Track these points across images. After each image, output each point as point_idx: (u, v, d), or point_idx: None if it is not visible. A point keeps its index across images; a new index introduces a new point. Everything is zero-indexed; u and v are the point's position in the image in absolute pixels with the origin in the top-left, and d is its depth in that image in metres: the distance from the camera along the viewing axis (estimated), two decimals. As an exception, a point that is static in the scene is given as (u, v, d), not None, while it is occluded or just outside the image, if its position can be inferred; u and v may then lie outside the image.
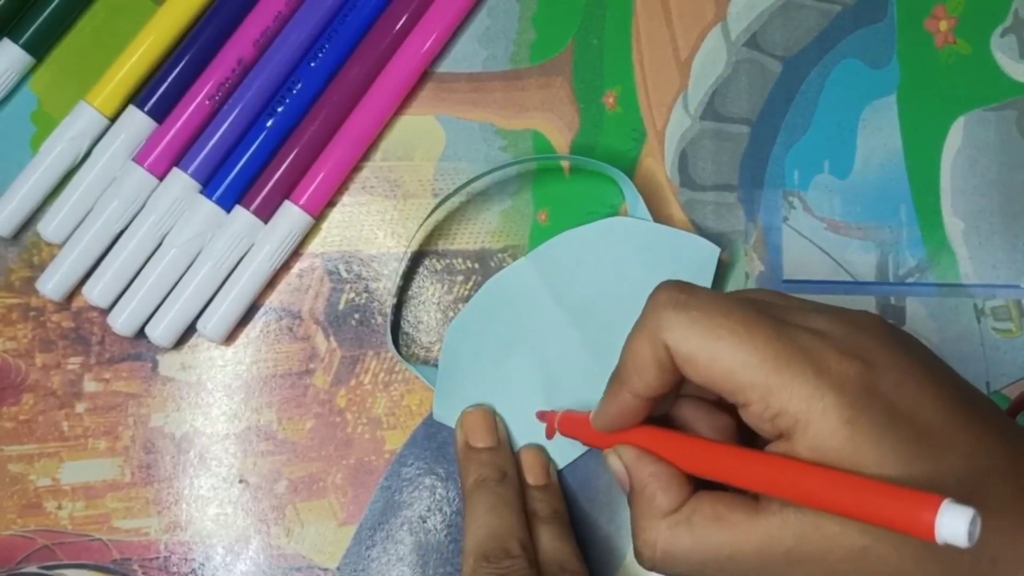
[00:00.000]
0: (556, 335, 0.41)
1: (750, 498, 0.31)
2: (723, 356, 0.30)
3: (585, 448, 0.41)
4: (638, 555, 0.33)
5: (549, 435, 0.39)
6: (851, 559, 0.29)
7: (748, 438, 0.33)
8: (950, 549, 0.25)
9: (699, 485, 0.32)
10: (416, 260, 0.43)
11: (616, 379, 0.33)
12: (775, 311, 0.31)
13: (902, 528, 0.25)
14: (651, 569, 0.33)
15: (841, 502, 0.27)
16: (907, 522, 0.25)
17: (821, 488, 0.28)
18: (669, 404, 0.34)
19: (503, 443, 0.41)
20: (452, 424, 0.41)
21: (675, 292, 0.32)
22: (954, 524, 0.24)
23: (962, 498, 0.25)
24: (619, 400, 0.33)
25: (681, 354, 0.31)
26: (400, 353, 0.42)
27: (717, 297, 0.31)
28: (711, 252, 0.42)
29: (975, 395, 0.31)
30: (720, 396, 0.31)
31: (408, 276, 0.43)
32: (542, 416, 0.40)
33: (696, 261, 0.42)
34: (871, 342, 0.30)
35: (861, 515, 0.27)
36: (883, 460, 0.28)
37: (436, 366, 0.42)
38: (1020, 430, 0.30)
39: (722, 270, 0.43)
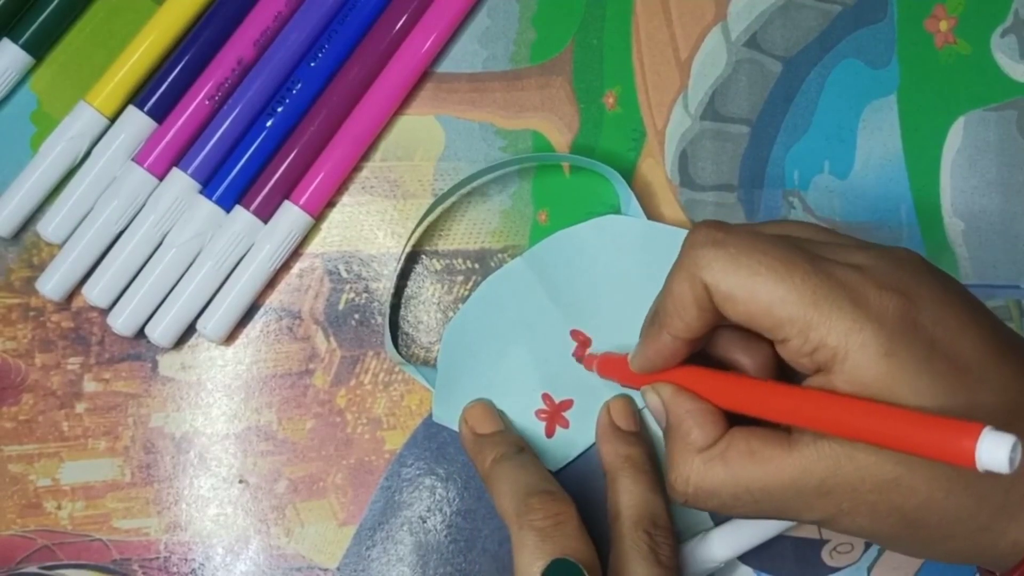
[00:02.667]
0: (553, 334, 0.41)
1: (783, 433, 0.31)
2: (761, 292, 0.30)
3: (583, 448, 0.42)
4: (671, 490, 0.33)
5: (588, 366, 0.40)
6: (882, 489, 0.29)
7: (786, 369, 0.33)
8: (982, 483, 0.25)
9: (733, 423, 0.32)
10: (416, 260, 0.43)
11: (655, 321, 0.33)
12: (812, 247, 0.31)
13: (942, 457, 0.25)
14: (684, 504, 0.33)
15: (881, 433, 0.27)
16: (948, 450, 0.25)
17: (861, 420, 0.28)
18: (707, 339, 0.34)
19: (510, 428, 0.41)
20: (452, 425, 0.41)
21: (712, 230, 0.32)
22: (995, 450, 0.24)
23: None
24: (658, 342, 0.33)
25: (720, 292, 0.31)
26: (400, 353, 0.42)
27: (754, 234, 0.31)
28: None
29: (1010, 334, 0.31)
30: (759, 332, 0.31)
31: (408, 276, 0.43)
32: (581, 359, 0.41)
33: None
34: (910, 277, 0.30)
35: (901, 445, 0.27)
36: (921, 393, 0.28)
37: (435, 367, 0.42)
38: None
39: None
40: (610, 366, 0.39)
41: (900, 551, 0.33)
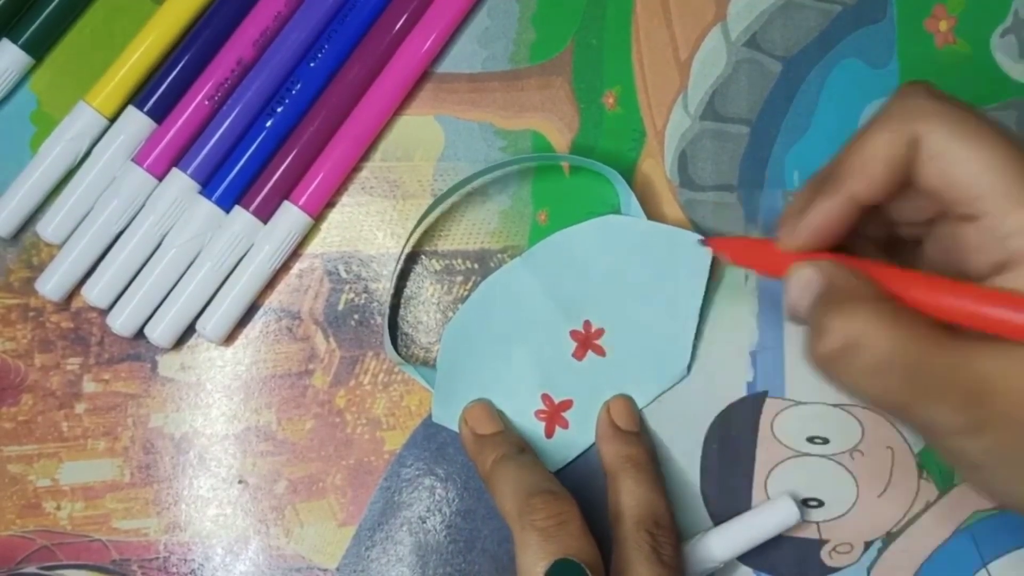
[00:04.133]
0: (552, 334, 0.41)
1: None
2: (978, 155, 0.28)
3: (583, 448, 0.42)
4: (819, 344, 0.29)
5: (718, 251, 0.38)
6: None
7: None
8: None
9: None
10: (415, 260, 0.43)
11: (826, 185, 0.31)
12: None
13: None
14: (825, 363, 0.29)
15: None
16: None
17: None
18: (843, 238, 0.32)
19: (510, 428, 0.41)
20: (452, 426, 0.41)
21: (928, 86, 0.30)
22: None
23: None
24: (828, 206, 0.31)
25: (930, 146, 0.29)
26: (399, 354, 0.42)
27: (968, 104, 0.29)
28: (706, 247, 0.42)
29: None
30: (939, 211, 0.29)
31: (407, 276, 0.43)
32: (706, 241, 0.40)
33: (689, 255, 0.41)
34: None
35: None
36: None
37: (435, 368, 0.41)
38: None
39: (716, 266, 0.43)
40: (745, 250, 0.36)
41: (990, 485, 0.30)
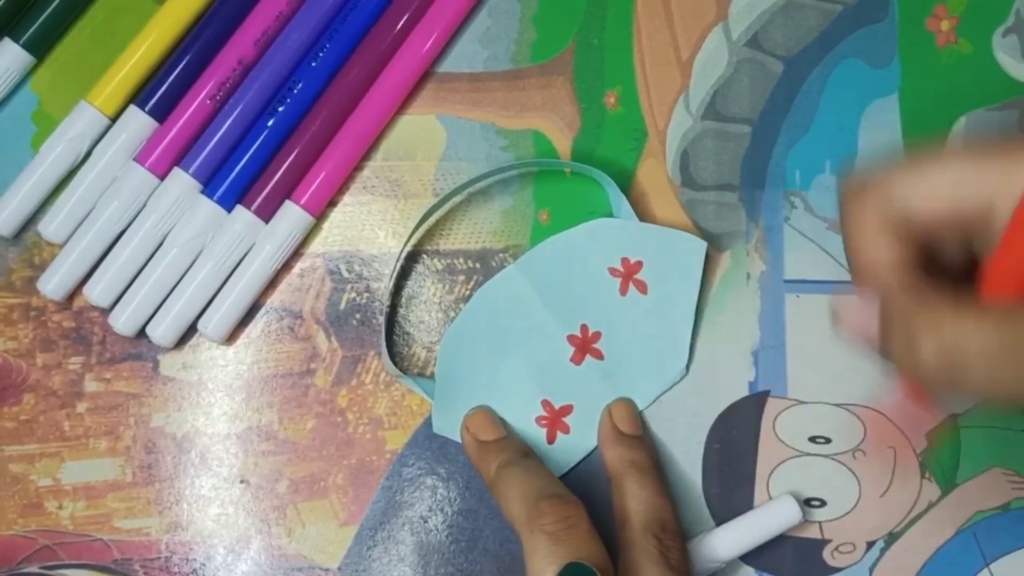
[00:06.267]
0: (549, 340, 0.41)
1: None
2: (946, 176, 0.29)
3: (585, 453, 0.42)
4: (910, 353, 0.28)
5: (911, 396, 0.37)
6: None
7: None
8: None
9: None
10: (417, 259, 0.43)
11: (860, 287, 0.31)
12: None
13: None
14: (925, 375, 0.28)
15: None
16: None
17: None
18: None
19: (512, 434, 0.41)
20: (453, 436, 0.41)
21: (858, 175, 0.31)
22: None
23: None
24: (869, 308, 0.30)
25: (914, 196, 0.30)
26: (402, 353, 0.42)
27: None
28: (698, 247, 0.42)
29: None
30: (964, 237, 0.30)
31: (408, 276, 0.43)
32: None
33: (683, 256, 0.42)
34: None
35: None
36: None
37: (432, 377, 0.41)
38: None
39: (715, 268, 0.43)
40: (913, 394, 0.36)
41: None
